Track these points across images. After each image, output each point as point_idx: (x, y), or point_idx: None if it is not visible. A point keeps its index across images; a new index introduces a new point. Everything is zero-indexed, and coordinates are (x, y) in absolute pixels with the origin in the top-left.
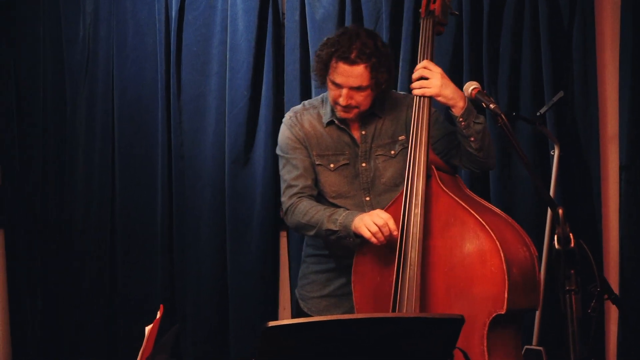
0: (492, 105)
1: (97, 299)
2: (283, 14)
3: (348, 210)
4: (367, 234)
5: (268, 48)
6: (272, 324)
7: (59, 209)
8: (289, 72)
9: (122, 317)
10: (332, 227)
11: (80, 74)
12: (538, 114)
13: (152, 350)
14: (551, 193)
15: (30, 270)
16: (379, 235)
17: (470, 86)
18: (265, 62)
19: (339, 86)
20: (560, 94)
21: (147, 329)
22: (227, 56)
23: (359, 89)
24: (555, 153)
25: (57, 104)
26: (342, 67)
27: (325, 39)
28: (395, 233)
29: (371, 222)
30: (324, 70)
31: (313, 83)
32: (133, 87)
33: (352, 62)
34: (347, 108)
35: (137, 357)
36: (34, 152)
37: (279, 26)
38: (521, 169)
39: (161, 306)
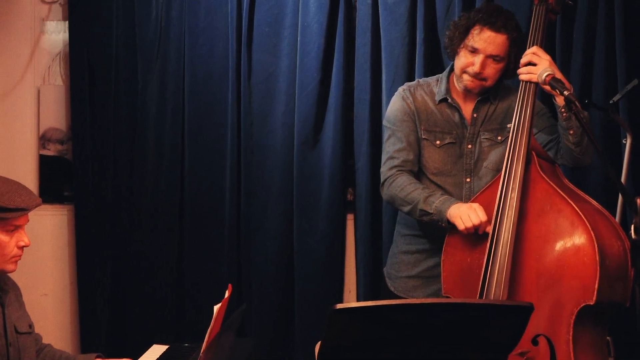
0: (566, 92)
1: (164, 277)
2: None
3: (445, 194)
4: (461, 226)
5: (339, 30)
6: (339, 306)
7: (128, 186)
8: (360, 54)
9: (189, 296)
10: (428, 209)
11: (152, 53)
12: (611, 102)
13: (220, 329)
14: (622, 182)
15: (99, 246)
16: (472, 230)
17: (545, 72)
18: (336, 44)
19: (475, 52)
20: (635, 82)
21: (216, 308)
22: (298, 38)
23: (495, 58)
24: (628, 142)
25: (128, 82)
26: (487, 32)
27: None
28: (488, 229)
29: (468, 217)
30: (463, 34)
31: (384, 65)
32: (204, 67)
33: (497, 29)
34: (476, 77)
35: (204, 336)
36: (105, 129)
37: (350, 8)
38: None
39: (229, 286)
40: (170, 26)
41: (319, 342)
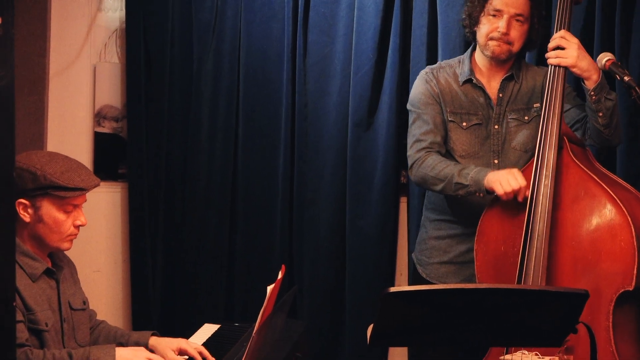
0: (626, 78)
1: (216, 257)
2: None
3: (479, 166)
4: (500, 191)
5: (396, 12)
6: (392, 289)
7: (182, 165)
8: (416, 36)
9: (240, 276)
10: (463, 181)
11: (208, 33)
12: None
13: (272, 310)
14: None
15: (152, 224)
16: (511, 195)
17: (604, 57)
18: (393, 25)
19: (499, 14)
20: None
21: (269, 288)
22: (355, 19)
23: (518, 19)
24: None
25: (183, 61)
26: None
27: None
28: (527, 193)
29: (507, 182)
30: (483, 1)
31: (440, 48)
32: (259, 47)
33: None
34: (503, 40)
35: (254, 317)
36: (160, 107)
37: None
38: None
39: (283, 266)
40: (226, 5)
41: (371, 325)
